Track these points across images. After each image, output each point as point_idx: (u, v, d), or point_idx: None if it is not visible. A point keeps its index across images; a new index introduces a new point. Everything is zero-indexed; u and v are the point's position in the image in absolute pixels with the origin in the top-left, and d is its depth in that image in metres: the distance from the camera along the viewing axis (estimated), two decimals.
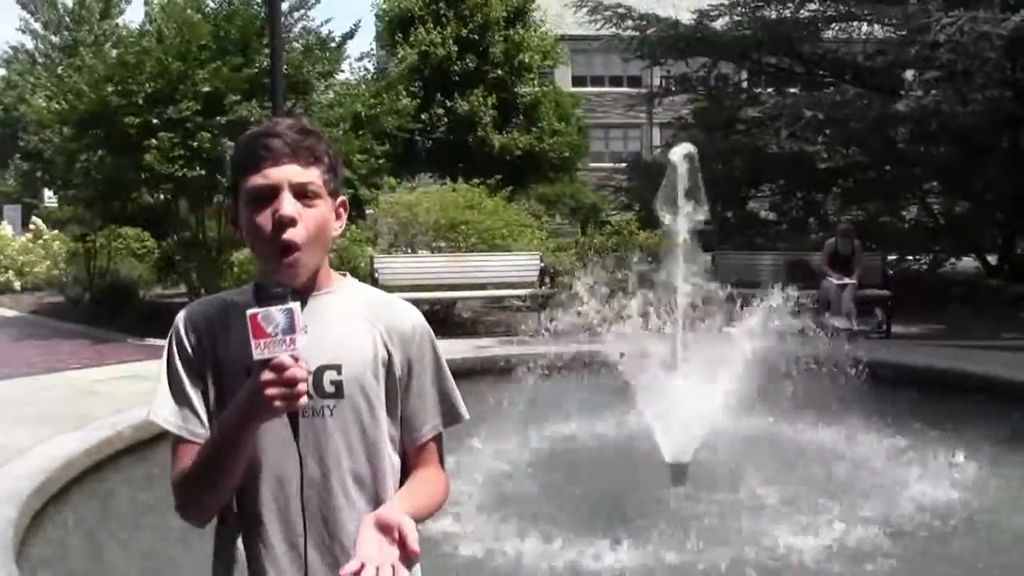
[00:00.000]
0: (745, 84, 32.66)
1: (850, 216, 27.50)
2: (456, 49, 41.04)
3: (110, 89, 19.35)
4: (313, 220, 2.84)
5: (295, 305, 2.65)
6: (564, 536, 7.84)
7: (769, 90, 30.30)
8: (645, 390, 10.14)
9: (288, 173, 2.81)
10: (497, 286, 20.74)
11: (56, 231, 29.16)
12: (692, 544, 7.78)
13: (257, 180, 2.82)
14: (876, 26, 29.00)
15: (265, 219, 2.81)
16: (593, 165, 52.65)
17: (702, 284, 11.07)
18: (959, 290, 24.72)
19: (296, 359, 2.62)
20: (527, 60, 42.82)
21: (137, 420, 10.33)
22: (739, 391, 10.10)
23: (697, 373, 10.42)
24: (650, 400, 10.08)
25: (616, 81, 63.65)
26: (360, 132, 22.35)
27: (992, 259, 27.73)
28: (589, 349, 10.61)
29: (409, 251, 22.39)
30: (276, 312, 2.63)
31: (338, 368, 2.89)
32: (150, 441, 10.21)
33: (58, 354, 17.32)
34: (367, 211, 27.20)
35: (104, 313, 21.89)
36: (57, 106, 21.30)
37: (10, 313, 24.53)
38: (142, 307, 22.70)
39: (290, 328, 2.62)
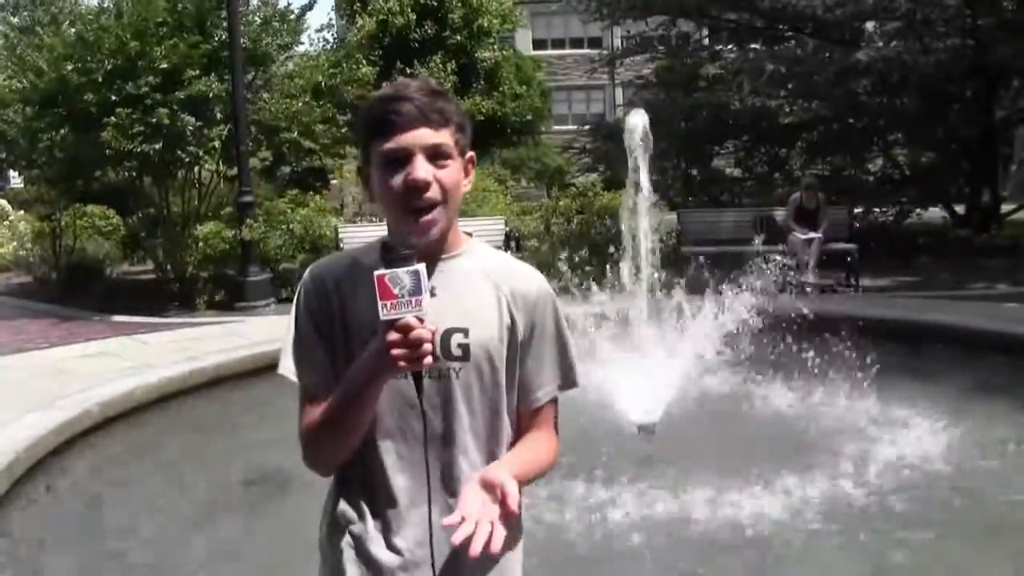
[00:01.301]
0: (706, 41, 32.57)
1: (815, 170, 27.54)
2: (414, 16, 40.81)
3: (70, 67, 19.22)
4: (447, 181, 2.90)
5: (421, 267, 2.71)
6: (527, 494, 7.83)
7: (730, 46, 30.28)
8: (613, 351, 10.15)
9: (421, 136, 2.86)
10: None
11: (22, 212, 29.01)
12: (659, 503, 7.80)
13: (390, 145, 2.87)
14: None
15: (399, 183, 2.87)
16: (557, 128, 52.63)
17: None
18: (926, 241, 24.80)
19: (422, 320, 2.69)
20: (486, 25, 42.60)
21: (105, 398, 10.30)
22: (707, 351, 10.11)
23: (665, 334, 10.44)
24: (618, 361, 10.08)
25: (577, 43, 63.61)
26: (321, 102, 22.29)
27: (960, 209, 27.80)
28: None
29: (374, 220, 22.32)
30: (403, 273, 2.69)
31: (465, 332, 2.96)
32: (118, 419, 10.21)
33: (26, 333, 17.23)
34: (331, 181, 27.17)
35: (71, 292, 21.78)
36: (19, 85, 21.17)
37: None
38: (109, 284, 22.62)
39: (416, 290, 2.69)
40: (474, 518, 2.66)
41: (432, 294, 2.75)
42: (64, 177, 22.24)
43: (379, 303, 2.67)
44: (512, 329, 3.03)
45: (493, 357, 2.99)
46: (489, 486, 2.78)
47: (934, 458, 8.84)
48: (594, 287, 10.88)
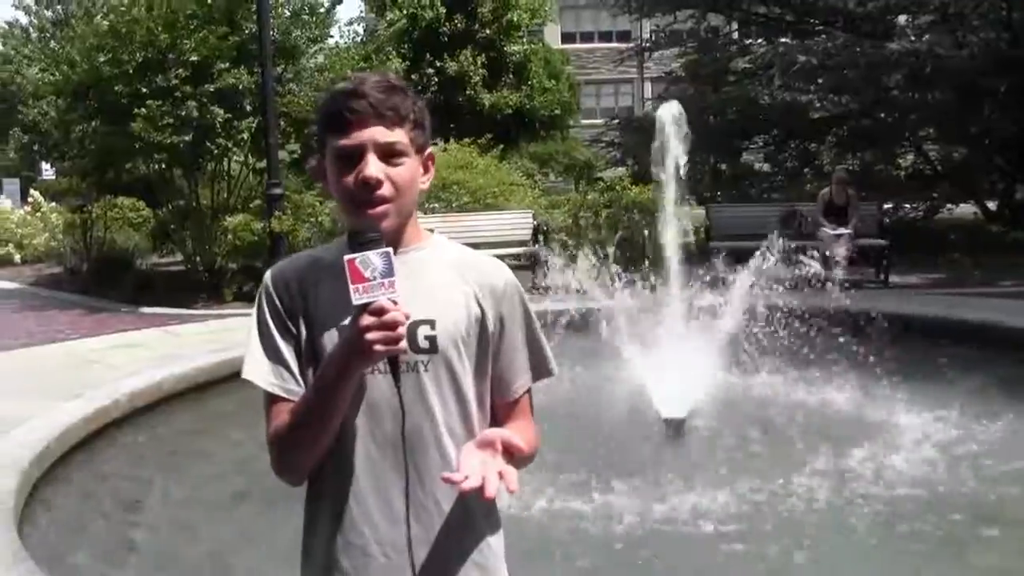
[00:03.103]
0: (736, 35, 32.50)
1: (845, 165, 27.43)
2: (444, 10, 40.88)
3: (102, 58, 19.34)
4: (399, 179, 2.84)
5: (391, 249, 2.68)
6: (557, 486, 7.84)
7: (760, 40, 30.19)
8: (641, 346, 10.13)
9: (373, 135, 2.81)
10: (490, 245, 20.62)
11: (54, 203, 29.21)
12: (684, 495, 7.79)
13: (343, 141, 2.82)
14: None
15: (351, 179, 2.82)
16: (585, 122, 52.49)
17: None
18: (957, 237, 24.67)
19: (395, 302, 2.65)
20: (515, 19, 42.64)
21: (134, 388, 10.35)
22: (735, 345, 10.08)
23: (692, 328, 10.42)
24: (646, 356, 10.07)
25: (605, 36, 63.52)
26: None
27: (992, 205, 27.64)
28: (583, 306, 10.60)
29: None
30: (373, 256, 2.64)
31: (432, 323, 2.89)
32: (147, 409, 10.26)
33: (57, 324, 17.38)
34: None
35: (101, 283, 21.96)
36: (52, 77, 21.29)
37: (11, 285, 24.77)
38: (139, 276, 22.73)
39: (388, 271, 2.64)
40: (478, 472, 2.63)
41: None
42: (95, 168, 22.43)
43: (351, 287, 2.61)
44: (481, 321, 2.99)
45: (462, 349, 2.93)
46: (484, 444, 2.76)
47: (960, 458, 8.79)
48: (621, 281, 10.86)
